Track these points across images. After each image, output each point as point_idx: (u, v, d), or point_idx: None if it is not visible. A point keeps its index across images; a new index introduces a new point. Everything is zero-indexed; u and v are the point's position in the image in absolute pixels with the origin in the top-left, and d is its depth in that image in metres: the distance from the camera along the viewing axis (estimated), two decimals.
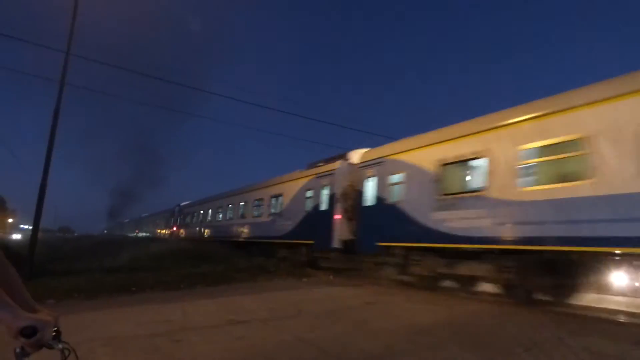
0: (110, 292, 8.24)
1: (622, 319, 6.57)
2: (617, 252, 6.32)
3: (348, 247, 12.22)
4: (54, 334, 1.21)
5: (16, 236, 44.24)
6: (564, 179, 6.96)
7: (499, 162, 7.98)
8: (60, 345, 1.23)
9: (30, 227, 13.36)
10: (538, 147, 7.45)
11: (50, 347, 1.19)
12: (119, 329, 5.26)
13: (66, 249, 22.73)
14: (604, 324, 6.10)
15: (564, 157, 7.02)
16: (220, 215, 23.68)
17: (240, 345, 4.62)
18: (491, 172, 8.11)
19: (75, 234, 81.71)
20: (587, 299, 7.43)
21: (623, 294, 6.98)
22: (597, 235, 6.28)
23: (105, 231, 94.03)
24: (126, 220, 73.93)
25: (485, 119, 8.75)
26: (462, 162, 9.03)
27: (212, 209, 25.44)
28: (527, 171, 7.63)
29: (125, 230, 64.56)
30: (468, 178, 9.23)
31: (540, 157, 7.46)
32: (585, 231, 6.44)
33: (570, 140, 6.86)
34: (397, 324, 5.83)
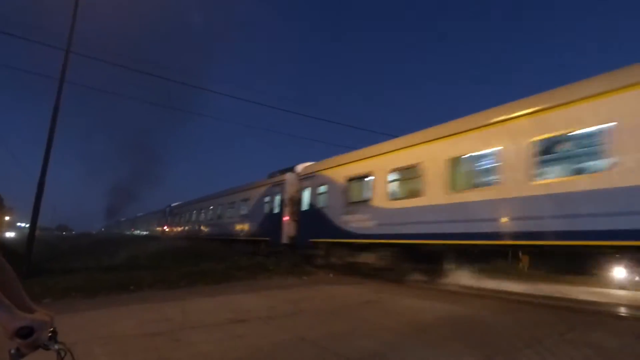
0: (109, 290, 8.18)
1: (623, 312, 6.57)
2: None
3: (293, 243, 15.06)
4: (50, 334, 1.18)
5: (9, 234, 44.21)
6: (409, 194, 10.23)
7: (379, 180, 11.21)
8: (56, 346, 1.20)
9: (28, 225, 13.30)
10: (396, 170, 10.80)
11: (46, 348, 1.16)
12: (117, 328, 5.22)
13: (64, 248, 22.70)
14: (605, 318, 6.09)
15: (410, 179, 10.29)
16: (203, 216, 26.49)
17: (240, 343, 4.59)
18: (374, 187, 11.30)
19: (73, 233, 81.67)
20: (588, 293, 7.45)
21: (624, 288, 7.08)
22: (427, 232, 9.46)
23: (102, 229, 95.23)
24: (123, 219, 76.33)
25: (371, 148, 12.06)
26: (359, 179, 12.11)
27: (196, 210, 28.12)
28: (393, 187, 10.84)
29: (122, 229, 66.46)
30: (362, 190, 12.03)
31: (399, 178, 10.80)
32: (420, 228, 9.60)
33: (411, 166, 10.18)
34: (398, 321, 5.80)
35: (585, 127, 6.85)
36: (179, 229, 31.60)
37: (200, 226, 26.66)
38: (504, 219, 7.82)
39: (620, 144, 6.30)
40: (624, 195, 6.14)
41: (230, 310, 6.46)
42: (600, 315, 6.24)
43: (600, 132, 6.62)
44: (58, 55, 11.38)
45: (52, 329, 1.20)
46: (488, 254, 9.23)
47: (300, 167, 15.74)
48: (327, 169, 13.70)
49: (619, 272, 7.04)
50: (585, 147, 7.04)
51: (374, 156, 11.56)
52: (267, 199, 17.26)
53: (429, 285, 9.76)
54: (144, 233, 46.29)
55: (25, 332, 1.08)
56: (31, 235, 10.48)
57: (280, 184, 16.26)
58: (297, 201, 15.07)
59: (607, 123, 6.49)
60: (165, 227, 36.32)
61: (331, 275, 11.84)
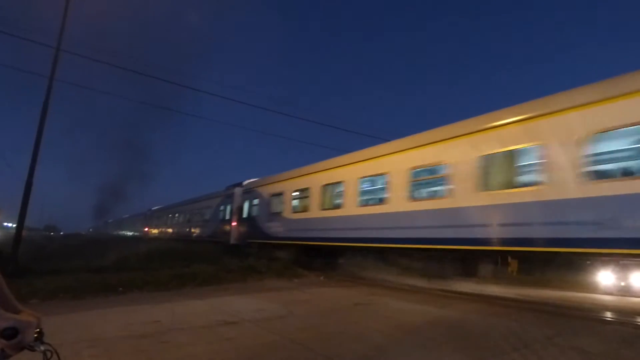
0: (97, 292, 8.09)
1: (608, 317, 6.66)
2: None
3: (239, 244, 18.59)
4: (36, 335, 1.17)
5: None
6: (305, 209, 14.04)
7: (287, 197, 15.23)
8: (42, 347, 1.19)
9: (14, 225, 13.10)
10: (297, 190, 14.79)
11: (31, 349, 1.15)
12: (105, 330, 5.16)
13: (52, 248, 22.38)
14: (591, 322, 6.17)
15: (303, 197, 14.34)
16: (175, 219, 30.23)
17: (230, 346, 4.56)
18: (284, 202, 15.33)
19: (61, 233, 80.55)
20: (575, 298, 7.54)
21: (610, 293, 7.21)
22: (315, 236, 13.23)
23: (90, 229, 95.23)
24: (110, 220, 78.31)
25: (283, 174, 16.06)
26: (277, 195, 15.98)
27: (170, 214, 31.77)
28: (294, 203, 14.80)
29: (110, 230, 68.87)
30: (277, 204, 15.84)
31: (299, 196, 14.66)
32: (315, 233, 13.19)
33: (304, 189, 14.24)
34: (388, 324, 5.82)
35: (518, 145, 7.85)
36: (157, 230, 35.66)
37: (173, 228, 30.57)
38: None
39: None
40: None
41: (220, 312, 6.43)
42: (586, 320, 6.32)
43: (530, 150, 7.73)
44: (45, 51, 11.27)
45: (38, 330, 1.18)
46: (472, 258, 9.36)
47: (245, 183, 19.32)
48: (260, 186, 17.62)
49: (605, 277, 7.14)
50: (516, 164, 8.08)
51: (284, 180, 15.70)
52: (222, 207, 21.01)
53: (418, 288, 9.80)
54: (130, 234, 49.43)
55: (9, 333, 1.07)
56: (18, 235, 10.33)
57: (231, 195, 19.86)
58: (241, 210, 18.72)
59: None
60: (145, 229, 40.07)
61: (322, 277, 11.84)
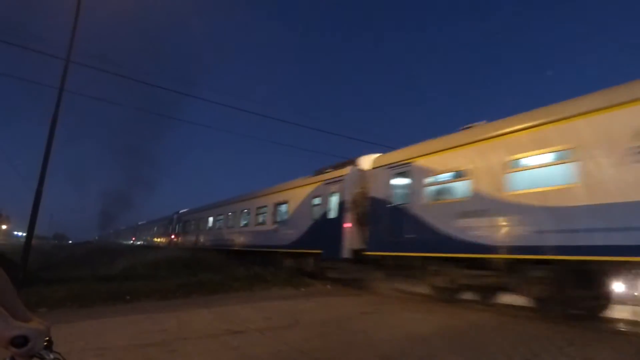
0: (105, 300, 8.13)
1: (622, 328, 6.54)
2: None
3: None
4: (45, 343, 1.18)
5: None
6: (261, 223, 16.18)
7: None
8: (51, 356, 1.20)
9: (24, 235, 13.24)
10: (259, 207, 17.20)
11: (41, 357, 1.16)
12: (113, 338, 5.17)
13: (60, 257, 22.55)
14: (604, 333, 6.06)
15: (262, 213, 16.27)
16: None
17: (236, 355, 4.55)
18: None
19: (70, 242, 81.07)
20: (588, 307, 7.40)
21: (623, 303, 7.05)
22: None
23: (96, 237, 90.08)
24: (122, 228, 71.38)
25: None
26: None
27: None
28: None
29: (121, 238, 62.57)
30: None
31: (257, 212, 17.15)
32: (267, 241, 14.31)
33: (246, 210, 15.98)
34: (394, 333, 5.77)
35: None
36: (192, 238, 27.57)
37: (220, 235, 22.83)
38: None
39: None
40: None
41: (227, 321, 6.42)
42: (599, 330, 6.21)
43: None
44: (53, 61, 11.48)
45: (47, 338, 1.20)
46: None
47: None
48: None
49: (618, 286, 7.00)
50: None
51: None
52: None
53: (425, 297, 9.69)
54: (147, 243, 42.37)
55: (20, 341, 1.08)
56: (28, 244, 10.43)
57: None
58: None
59: None
60: (173, 236, 32.51)
61: (328, 286, 11.77)
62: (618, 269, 6.30)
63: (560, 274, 6.91)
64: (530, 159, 7.57)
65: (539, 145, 7.38)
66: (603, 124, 6.53)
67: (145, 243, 43.32)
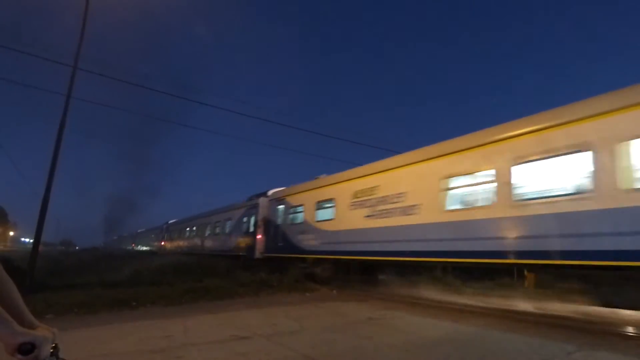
0: (111, 307, 8.15)
1: (630, 332, 6.44)
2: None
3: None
4: (52, 350, 1.18)
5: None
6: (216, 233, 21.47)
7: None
8: None
9: (31, 241, 13.32)
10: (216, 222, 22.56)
11: None
12: (119, 345, 5.18)
13: (67, 263, 22.65)
14: (613, 337, 5.97)
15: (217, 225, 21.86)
16: (195, 233, 28.46)
17: None
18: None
19: (77, 248, 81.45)
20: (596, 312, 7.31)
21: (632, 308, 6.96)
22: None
23: (102, 244, 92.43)
24: (125, 235, 76.13)
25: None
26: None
27: (189, 227, 30.40)
28: None
29: (123, 244, 66.90)
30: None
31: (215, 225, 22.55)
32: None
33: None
34: (402, 339, 5.72)
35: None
36: (175, 244, 33.64)
37: (192, 242, 28.66)
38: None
39: None
40: None
41: (233, 327, 6.40)
42: (607, 335, 6.12)
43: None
44: (58, 67, 11.59)
45: (54, 345, 1.20)
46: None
47: (270, 192, 18.20)
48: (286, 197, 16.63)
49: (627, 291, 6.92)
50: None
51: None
52: (244, 219, 19.57)
53: (431, 302, 9.63)
54: (145, 248, 47.71)
55: (26, 348, 1.08)
56: (34, 250, 10.49)
57: (255, 206, 18.51)
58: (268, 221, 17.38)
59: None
60: (162, 243, 38.15)
61: (334, 291, 11.73)
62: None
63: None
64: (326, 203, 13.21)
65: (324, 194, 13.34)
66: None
67: (142, 248, 49.21)
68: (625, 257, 5.82)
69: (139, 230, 60.58)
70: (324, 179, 13.85)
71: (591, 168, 6.43)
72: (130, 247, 57.71)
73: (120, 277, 12.99)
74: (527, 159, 7.29)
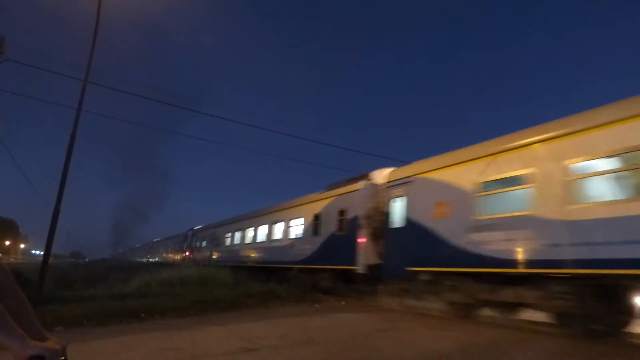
0: (120, 318, 8.15)
1: None
2: None
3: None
4: None
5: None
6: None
7: None
8: None
9: (41, 253, 13.42)
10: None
11: None
12: (128, 357, 5.17)
13: (76, 275, 22.79)
14: (625, 348, 5.83)
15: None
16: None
17: None
18: None
19: (87, 260, 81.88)
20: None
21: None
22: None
23: (110, 255, 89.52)
24: (138, 245, 70.62)
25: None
26: None
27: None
28: None
29: (137, 255, 61.73)
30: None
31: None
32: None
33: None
34: (411, 351, 5.64)
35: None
36: (206, 255, 26.90)
37: (234, 252, 22.27)
38: None
39: None
40: None
41: (241, 338, 6.36)
42: (620, 346, 5.97)
43: None
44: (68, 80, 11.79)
45: (63, 358, 1.20)
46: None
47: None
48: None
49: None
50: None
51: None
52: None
53: (441, 313, 9.46)
54: (158, 260, 42.59)
55: None
56: (45, 263, 10.56)
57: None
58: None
59: None
60: (187, 253, 32.05)
61: (343, 302, 11.62)
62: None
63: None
64: None
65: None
66: None
67: (160, 260, 42.65)
68: None
69: (154, 240, 53.18)
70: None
71: None
72: (146, 259, 51.15)
73: (129, 288, 12.89)
74: None
